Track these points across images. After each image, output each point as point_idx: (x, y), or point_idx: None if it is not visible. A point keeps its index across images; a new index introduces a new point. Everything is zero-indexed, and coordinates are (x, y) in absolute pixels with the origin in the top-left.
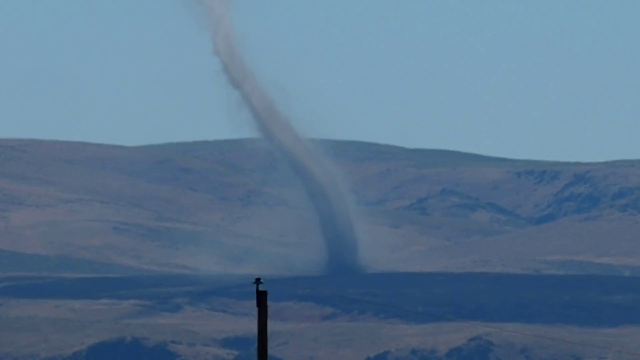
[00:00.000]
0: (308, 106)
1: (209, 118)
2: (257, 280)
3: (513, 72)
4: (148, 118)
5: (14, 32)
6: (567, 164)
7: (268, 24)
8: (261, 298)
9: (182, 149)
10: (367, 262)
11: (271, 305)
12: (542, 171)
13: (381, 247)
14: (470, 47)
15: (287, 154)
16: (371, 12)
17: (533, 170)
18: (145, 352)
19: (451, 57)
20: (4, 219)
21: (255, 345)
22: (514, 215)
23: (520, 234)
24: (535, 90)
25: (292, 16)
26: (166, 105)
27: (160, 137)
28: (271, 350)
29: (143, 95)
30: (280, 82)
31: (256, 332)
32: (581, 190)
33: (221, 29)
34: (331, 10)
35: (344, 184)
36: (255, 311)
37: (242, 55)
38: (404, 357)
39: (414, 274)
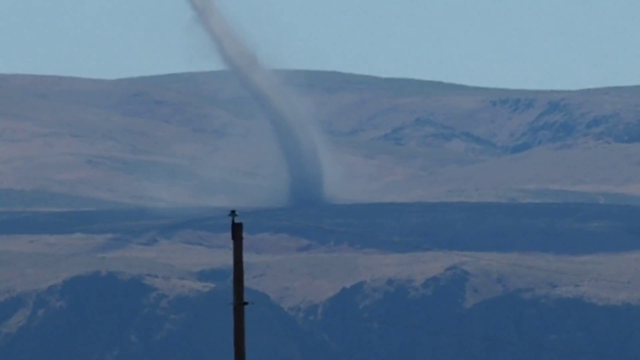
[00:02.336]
0: (278, 37)
1: (182, 51)
2: (232, 213)
3: (488, 3)
4: (122, 51)
5: None
6: (542, 92)
7: None
8: (236, 230)
9: (156, 82)
10: (335, 194)
11: (246, 237)
12: (516, 99)
13: (352, 179)
14: None
15: (250, 85)
16: None
17: (508, 99)
18: (121, 286)
19: None
20: None
21: (231, 277)
22: (490, 144)
23: (496, 163)
24: (509, 18)
25: None
26: (139, 38)
27: (134, 70)
28: (247, 283)
29: (117, 29)
30: (246, 11)
31: (232, 265)
32: (556, 119)
33: None
34: None
35: (310, 116)
36: (230, 243)
37: None
38: (380, 287)
39: (390, 204)
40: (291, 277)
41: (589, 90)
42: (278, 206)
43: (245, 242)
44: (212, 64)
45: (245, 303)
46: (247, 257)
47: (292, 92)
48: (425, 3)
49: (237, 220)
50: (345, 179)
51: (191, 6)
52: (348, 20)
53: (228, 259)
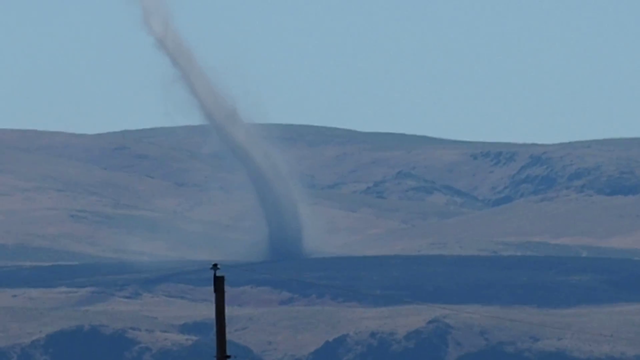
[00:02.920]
0: (258, 91)
1: (163, 105)
2: (214, 266)
3: (467, 54)
4: (103, 106)
5: None
6: (523, 145)
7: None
8: (218, 283)
9: (138, 136)
10: (315, 248)
11: (229, 290)
12: (498, 152)
13: (334, 232)
14: (422, 30)
15: (229, 140)
16: None
17: (489, 152)
18: (104, 339)
19: (404, 40)
20: None
21: (214, 330)
22: (471, 198)
23: (477, 216)
24: (489, 72)
25: None
26: (121, 93)
27: (116, 125)
28: (230, 336)
29: (98, 83)
30: (226, 66)
31: (214, 318)
32: (538, 172)
33: (157, 11)
34: None
35: (290, 170)
36: (213, 297)
37: (179, 34)
38: (363, 340)
39: (371, 257)
40: (274, 330)
41: (570, 143)
42: (259, 259)
43: (227, 295)
44: (193, 118)
45: (228, 356)
46: (229, 311)
47: (271, 146)
48: (405, 57)
49: (219, 273)
50: (326, 232)
51: (172, 63)
52: (330, 74)
53: (210, 312)
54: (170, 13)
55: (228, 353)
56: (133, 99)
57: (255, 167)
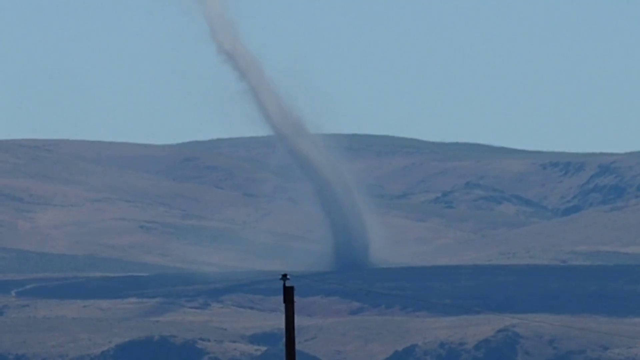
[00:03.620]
0: (327, 102)
1: (233, 115)
2: (284, 276)
3: (538, 63)
4: (173, 117)
5: (35, 33)
6: (592, 154)
7: (279, 13)
8: (288, 294)
9: (208, 147)
10: (382, 258)
11: (298, 300)
12: (567, 162)
13: (403, 242)
14: (492, 39)
15: (296, 151)
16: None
17: (558, 162)
18: (174, 350)
19: (471, 50)
20: (30, 220)
21: (283, 340)
22: (540, 207)
23: (547, 226)
24: (560, 82)
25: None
26: (190, 103)
27: (186, 136)
28: (299, 346)
29: (168, 95)
30: (295, 78)
31: (284, 328)
32: (606, 181)
33: (221, 20)
34: None
35: (355, 179)
36: (282, 307)
37: (246, 46)
38: (432, 350)
39: (441, 267)
40: (343, 340)
41: (639, 152)
42: (327, 270)
43: (296, 306)
44: (261, 129)
45: None
46: (298, 321)
47: (337, 157)
48: (473, 67)
49: (288, 283)
50: (393, 242)
51: (239, 76)
52: (400, 85)
53: (280, 323)
54: (237, 27)
55: None
56: (202, 110)
57: (321, 178)
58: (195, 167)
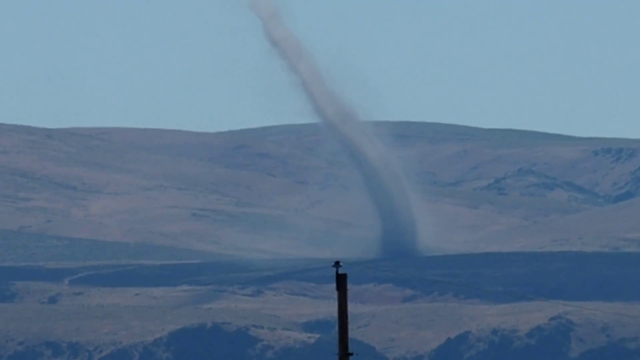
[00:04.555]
0: (379, 90)
1: (284, 103)
2: (337, 263)
3: (590, 50)
4: (225, 104)
5: (88, 23)
6: None
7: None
8: (341, 281)
9: (260, 134)
10: (432, 245)
11: (351, 288)
12: (619, 149)
13: (455, 229)
14: (544, 25)
15: (346, 139)
16: None
17: (610, 149)
18: (227, 337)
19: (523, 37)
20: (83, 208)
21: (336, 328)
22: (592, 194)
23: (599, 212)
24: (613, 68)
25: None
26: (243, 91)
27: (238, 123)
28: (352, 333)
29: (220, 83)
30: (348, 66)
31: (337, 316)
32: None
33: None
34: None
35: (404, 167)
36: (335, 294)
37: (295, 35)
38: (484, 337)
39: (493, 254)
40: (396, 327)
41: None
42: (378, 257)
43: (349, 293)
44: (312, 117)
45: (350, 354)
46: (351, 308)
47: (387, 145)
48: (527, 55)
49: (341, 271)
50: (444, 229)
51: (289, 65)
52: (452, 72)
53: (333, 310)
54: (285, 16)
55: (350, 350)
56: (254, 98)
57: (369, 166)
58: (247, 154)
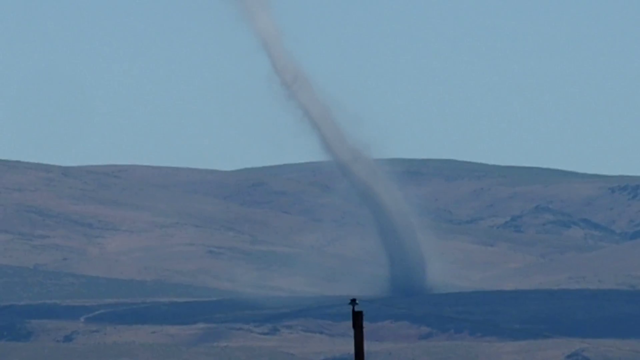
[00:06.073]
0: (393, 126)
1: (299, 140)
2: (353, 301)
3: (607, 90)
4: (240, 142)
5: (98, 62)
6: None
7: (334, 37)
8: (357, 319)
9: (275, 172)
10: (445, 282)
11: (367, 325)
12: (635, 186)
13: (468, 267)
14: (557, 64)
15: (353, 176)
16: (453, 14)
17: (627, 186)
18: None
19: (539, 74)
20: (99, 245)
21: None
22: (609, 231)
23: (616, 250)
24: (628, 107)
25: (362, 27)
26: (256, 129)
27: (253, 161)
28: None
29: (234, 121)
30: (363, 104)
31: (353, 353)
32: None
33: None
34: (410, 14)
35: (418, 204)
36: (351, 332)
37: (307, 75)
38: None
39: (510, 292)
40: None
41: None
42: (396, 294)
43: (365, 330)
44: (324, 155)
45: None
46: (368, 346)
47: (399, 183)
48: (542, 92)
49: (357, 308)
50: (460, 266)
51: (300, 106)
52: (466, 109)
53: (349, 348)
54: (299, 60)
55: None
56: (268, 135)
57: (379, 204)
58: (262, 192)
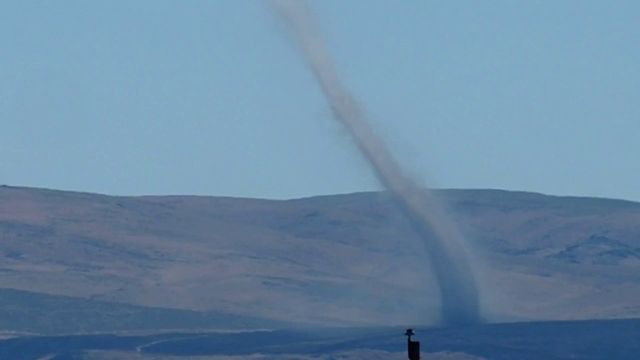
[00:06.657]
0: (444, 156)
1: (355, 171)
2: (409, 332)
3: None
4: (296, 172)
5: (155, 97)
6: None
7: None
8: (413, 349)
9: (331, 202)
10: (504, 313)
11: (424, 356)
12: None
13: (524, 297)
14: (614, 97)
15: (406, 207)
16: (508, 48)
17: None
18: None
19: (594, 104)
20: (155, 277)
21: None
22: None
23: None
24: None
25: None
26: (314, 159)
27: (309, 191)
28: None
29: (290, 151)
30: (409, 133)
31: None
32: None
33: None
34: (462, 44)
35: (473, 234)
36: None
37: (362, 110)
38: None
39: (566, 322)
40: None
41: None
42: (452, 325)
43: None
44: (378, 186)
45: None
46: None
47: (453, 213)
48: (597, 121)
49: (413, 339)
50: (516, 297)
51: (353, 139)
52: (522, 139)
53: None
54: (353, 97)
55: None
56: (323, 166)
57: (432, 235)
58: (319, 222)
